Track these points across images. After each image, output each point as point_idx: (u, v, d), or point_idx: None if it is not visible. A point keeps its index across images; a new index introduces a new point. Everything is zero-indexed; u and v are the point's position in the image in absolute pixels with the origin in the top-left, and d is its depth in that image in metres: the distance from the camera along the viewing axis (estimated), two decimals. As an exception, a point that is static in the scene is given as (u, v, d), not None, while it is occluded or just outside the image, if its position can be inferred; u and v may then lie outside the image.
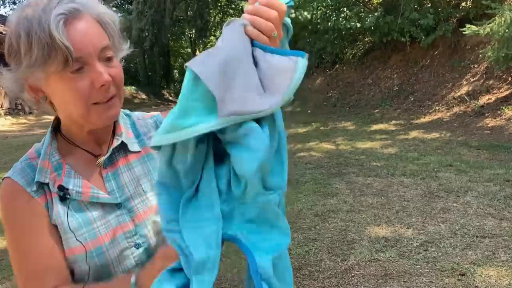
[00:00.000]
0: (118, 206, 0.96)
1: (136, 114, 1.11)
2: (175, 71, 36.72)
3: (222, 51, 0.70)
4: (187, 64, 0.68)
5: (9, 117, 16.23)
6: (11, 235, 0.92)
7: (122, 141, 1.00)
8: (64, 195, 0.92)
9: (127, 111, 1.10)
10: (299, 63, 0.69)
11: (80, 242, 0.91)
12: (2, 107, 16.76)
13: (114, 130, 1.03)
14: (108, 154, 0.98)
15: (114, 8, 30.15)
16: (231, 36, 0.72)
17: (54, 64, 0.82)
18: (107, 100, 0.89)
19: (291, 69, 0.69)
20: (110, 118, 0.92)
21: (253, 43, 0.73)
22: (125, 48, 0.99)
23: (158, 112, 1.14)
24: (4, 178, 0.95)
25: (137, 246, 0.96)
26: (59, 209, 0.92)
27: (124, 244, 0.95)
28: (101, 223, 0.93)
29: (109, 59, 0.90)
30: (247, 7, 0.74)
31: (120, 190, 0.98)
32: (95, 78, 0.85)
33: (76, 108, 0.88)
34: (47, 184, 0.93)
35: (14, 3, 29.49)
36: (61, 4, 0.83)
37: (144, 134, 1.06)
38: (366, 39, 15.39)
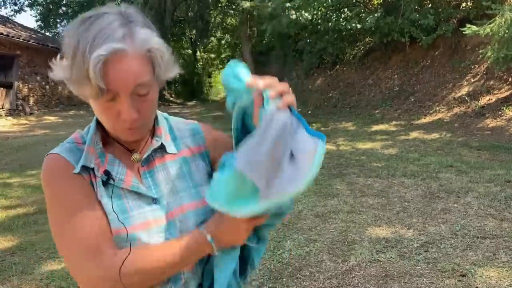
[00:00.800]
0: (154, 200, 1.01)
1: (175, 119, 1.16)
2: (176, 71, 36.62)
3: (265, 142, 0.80)
4: (236, 167, 0.80)
5: (10, 117, 16.23)
6: (60, 209, 0.95)
7: (162, 143, 1.05)
8: (107, 180, 0.97)
9: (165, 115, 1.15)
10: (320, 147, 0.80)
11: (122, 223, 0.95)
12: (3, 107, 16.76)
13: (153, 130, 1.07)
14: (147, 154, 1.03)
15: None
16: (270, 124, 0.81)
17: (87, 91, 0.87)
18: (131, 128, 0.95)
19: (313, 150, 0.80)
20: (134, 138, 0.98)
21: (291, 110, 0.84)
22: (172, 73, 1.01)
23: (196, 122, 1.19)
24: (49, 154, 0.99)
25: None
26: (102, 191, 0.97)
27: (156, 238, 0.98)
28: (137, 213, 0.98)
29: (143, 94, 0.93)
30: (261, 85, 0.86)
31: (156, 187, 1.02)
32: (122, 112, 0.91)
33: (105, 124, 0.96)
34: (92, 169, 0.98)
35: (15, 4, 29.45)
36: (109, 39, 0.84)
37: (180, 138, 1.11)
38: (367, 39, 15.40)
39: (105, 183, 0.97)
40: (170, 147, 1.07)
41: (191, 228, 1.00)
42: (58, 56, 0.93)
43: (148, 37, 0.90)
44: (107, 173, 0.97)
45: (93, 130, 1.01)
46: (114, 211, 0.95)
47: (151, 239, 0.97)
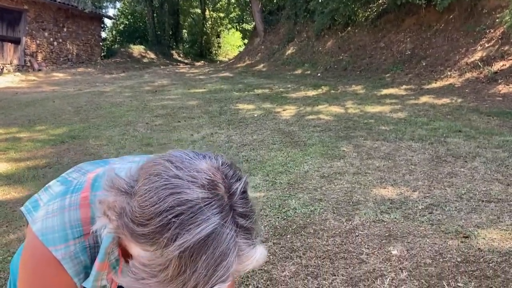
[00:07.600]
0: None
1: None
2: (184, 31, 36.22)
3: None
4: None
5: (18, 73, 16.23)
6: None
7: None
8: None
9: None
10: None
11: None
12: (11, 63, 16.73)
13: None
14: None
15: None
16: None
17: None
18: None
19: None
20: None
21: None
22: None
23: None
24: (46, 250, 0.82)
25: None
26: None
27: None
28: None
29: None
30: None
31: None
32: None
33: None
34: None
35: None
36: (226, 274, 0.69)
37: None
38: (380, 1, 15.00)
39: None
40: None
41: None
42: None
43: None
44: None
45: (112, 236, 0.80)
46: None
47: None
